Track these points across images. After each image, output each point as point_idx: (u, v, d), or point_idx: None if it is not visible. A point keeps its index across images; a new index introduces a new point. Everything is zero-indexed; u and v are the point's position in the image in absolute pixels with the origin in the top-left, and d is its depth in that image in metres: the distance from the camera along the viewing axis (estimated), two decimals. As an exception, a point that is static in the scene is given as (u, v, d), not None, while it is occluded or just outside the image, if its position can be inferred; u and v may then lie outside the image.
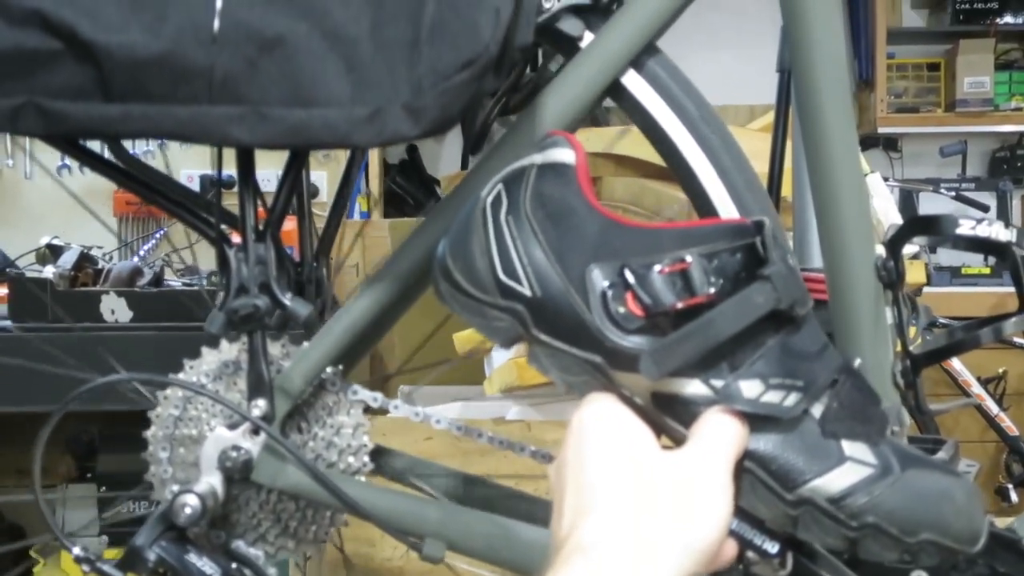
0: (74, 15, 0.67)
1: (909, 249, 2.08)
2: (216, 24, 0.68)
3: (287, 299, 0.81)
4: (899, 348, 0.87)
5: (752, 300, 0.61)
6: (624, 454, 0.59)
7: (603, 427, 0.61)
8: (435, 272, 0.69)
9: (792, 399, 0.61)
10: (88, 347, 1.85)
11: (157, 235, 2.93)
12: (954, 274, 3.62)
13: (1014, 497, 3.06)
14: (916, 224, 0.87)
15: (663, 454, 0.59)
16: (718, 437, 0.60)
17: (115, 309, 1.99)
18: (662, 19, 0.85)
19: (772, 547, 0.63)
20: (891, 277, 0.87)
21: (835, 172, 0.84)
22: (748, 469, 0.61)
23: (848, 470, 0.61)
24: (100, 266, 2.30)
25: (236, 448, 0.81)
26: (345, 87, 0.70)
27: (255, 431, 0.81)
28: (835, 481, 0.61)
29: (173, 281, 2.26)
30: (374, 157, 3.52)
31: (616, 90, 0.86)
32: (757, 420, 0.61)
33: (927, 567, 0.77)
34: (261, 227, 0.82)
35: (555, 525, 0.59)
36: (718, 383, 0.61)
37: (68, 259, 2.26)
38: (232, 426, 0.82)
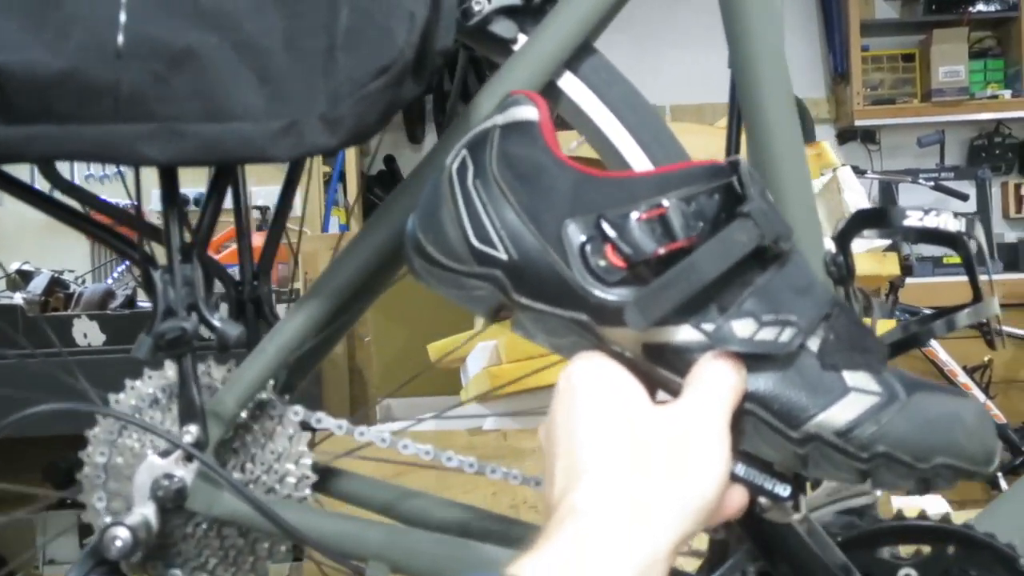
0: (-30, 38, 0.65)
1: (882, 242, 2.07)
2: (120, 39, 0.65)
3: (216, 320, 0.78)
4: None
5: (734, 238, 0.59)
6: (615, 412, 0.57)
7: (593, 385, 0.59)
8: (407, 249, 0.67)
9: (787, 334, 0.59)
10: (61, 372, 1.83)
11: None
12: (936, 263, 3.61)
13: (1004, 484, 3.04)
14: (863, 217, 0.84)
15: (655, 409, 0.57)
16: (713, 385, 0.57)
17: (87, 333, 1.97)
18: (596, 18, 0.83)
19: (784, 490, 0.61)
20: (841, 272, 0.85)
21: (779, 168, 0.82)
22: (750, 411, 0.59)
23: (853, 401, 0.59)
24: (72, 290, 2.28)
25: (168, 476, 0.78)
26: (260, 100, 0.68)
27: (188, 458, 0.79)
28: (840, 413, 0.59)
29: (146, 303, 2.23)
30: (351, 169, 3.50)
31: (552, 92, 0.84)
32: (754, 360, 0.59)
33: (919, 568, 0.75)
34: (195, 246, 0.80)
35: (547, 489, 0.57)
36: (709, 327, 0.59)
37: (38, 284, 2.25)
38: (164, 453, 0.79)
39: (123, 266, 2.86)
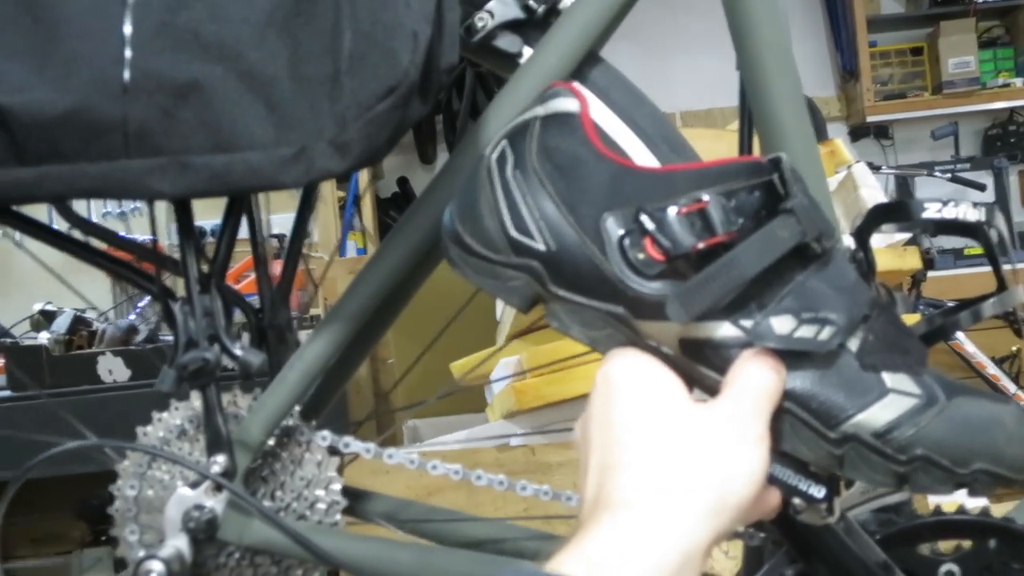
0: (-25, 82, 0.65)
1: (902, 236, 2.06)
2: (126, 75, 0.66)
3: (238, 350, 0.78)
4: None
5: (776, 234, 0.58)
6: (653, 407, 0.56)
7: (631, 380, 0.58)
8: (444, 239, 0.67)
9: (827, 332, 0.59)
10: (88, 410, 1.84)
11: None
12: (957, 256, 3.59)
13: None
14: (881, 212, 0.84)
15: (693, 406, 0.57)
16: (752, 383, 0.57)
17: (112, 369, 1.98)
18: (600, 28, 0.83)
19: (818, 492, 0.60)
20: (862, 268, 0.84)
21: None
22: (787, 410, 0.59)
23: (891, 402, 0.59)
24: (95, 327, 2.29)
25: (199, 507, 0.78)
26: (267, 128, 0.68)
27: (218, 488, 0.79)
28: (879, 414, 0.58)
29: (169, 337, 2.24)
30: (366, 193, 3.51)
31: (560, 103, 0.83)
32: (792, 358, 0.58)
33: (961, 563, 0.74)
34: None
35: (581, 485, 0.56)
36: (748, 323, 0.59)
37: (62, 323, 2.26)
38: (194, 484, 0.79)
39: (145, 301, 2.87)
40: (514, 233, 0.63)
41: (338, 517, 0.84)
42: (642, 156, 0.85)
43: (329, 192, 3.12)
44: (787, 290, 0.59)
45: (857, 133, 4.13)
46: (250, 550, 0.81)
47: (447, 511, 0.91)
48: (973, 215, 0.81)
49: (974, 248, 3.54)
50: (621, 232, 0.60)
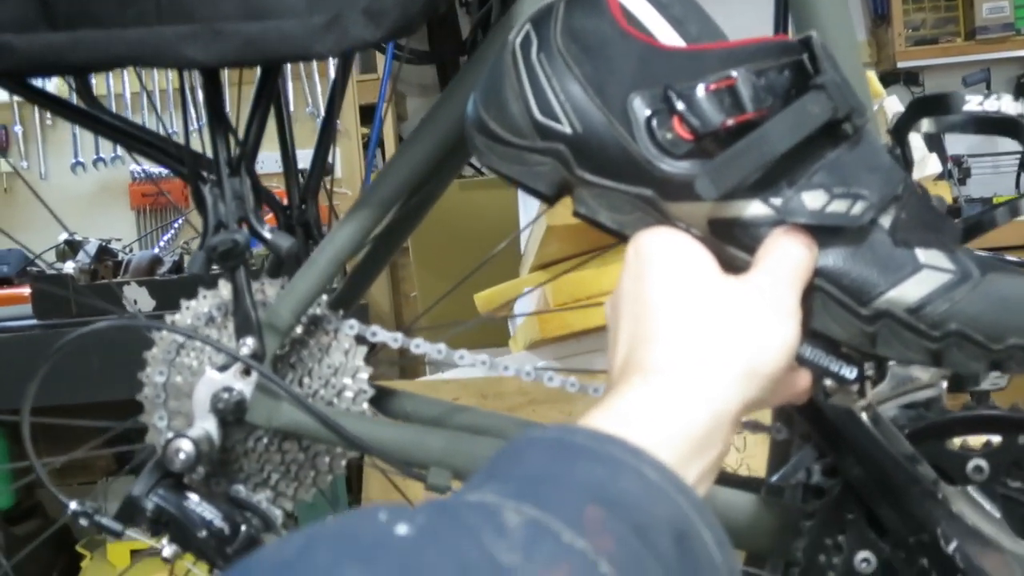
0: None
1: (932, 170, 2.03)
2: (160, -62, 0.65)
3: (267, 232, 0.78)
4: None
5: (807, 110, 0.57)
6: (684, 280, 0.56)
7: (662, 254, 0.57)
8: (468, 129, 0.66)
9: (859, 207, 0.58)
10: (114, 338, 1.85)
11: (176, 224, 2.93)
12: (985, 204, 3.54)
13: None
14: (921, 105, 0.82)
15: (726, 278, 0.56)
16: (784, 258, 0.56)
17: (137, 299, 1.99)
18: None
19: (850, 372, 0.60)
20: (899, 163, 0.83)
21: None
22: (819, 287, 0.58)
23: (925, 277, 0.58)
24: (120, 258, 2.30)
25: (228, 389, 0.78)
26: (301, -5, 0.67)
27: (246, 371, 0.79)
28: (912, 290, 0.58)
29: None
30: (390, 133, 3.49)
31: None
32: (824, 234, 0.58)
33: (990, 459, 0.73)
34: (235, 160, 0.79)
35: (611, 359, 0.56)
36: (778, 200, 0.58)
37: (87, 254, 2.26)
38: (222, 367, 0.79)
39: (169, 234, 2.89)
40: (540, 116, 0.62)
41: (365, 407, 0.84)
42: (669, 38, 0.84)
43: (353, 129, 3.11)
44: (818, 166, 0.58)
45: (887, 79, 4.06)
46: (279, 433, 0.81)
47: (473, 408, 0.91)
48: (1014, 109, 0.80)
49: (1003, 196, 3.51)
50: (649, 112, 0.59)
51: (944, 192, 1.97)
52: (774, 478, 0.83)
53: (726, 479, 0.89)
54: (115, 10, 0.65)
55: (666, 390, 0.51)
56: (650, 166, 0.59)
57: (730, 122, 0.57)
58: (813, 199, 0.58)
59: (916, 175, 1.92)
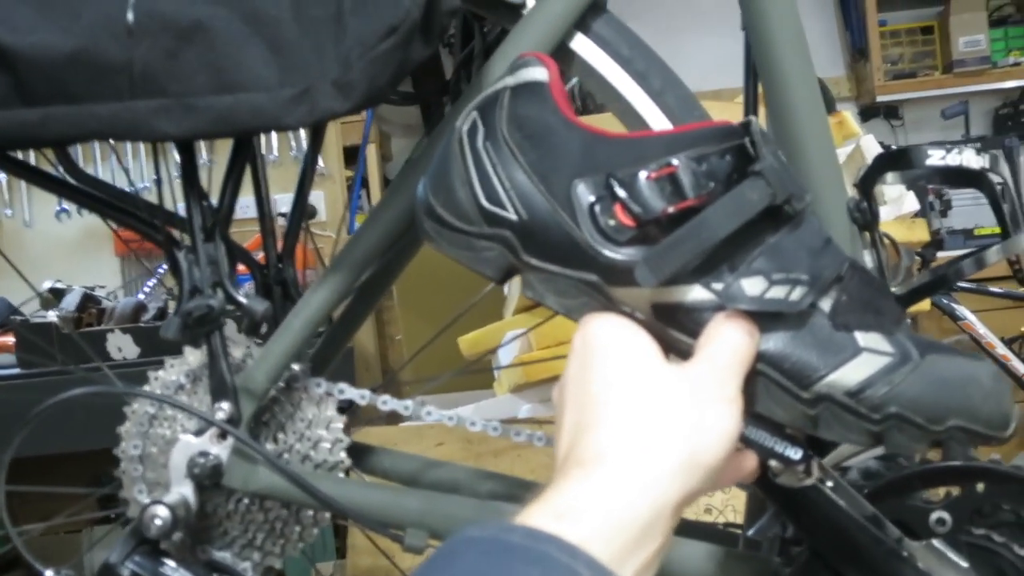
0: (-18, 23, 0.66)
1: (910, 208, 2.04)
2: (130, 16, 0.66)
3: (242, 296, 0.79)
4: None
5: (746, 196, 0.58)
6: (627, 368, 0.56)
7: (607, 342, 0.58)
8: (418, 213, 0.66)
9: (798, 293, 0.58)
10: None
11: (160, 270, 2.93)
12: (967, 236, 3.57)
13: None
14: (886, 160, 0.84)
15: (667, 366, 0.57)
16: (724, 345, 0.57)
17: (121, 346, 1.99)
18: (605, -23, 0.83)
19: (795, 453, 0.60)
20: (865, 218, 0.84)
21: (797, 117, 0.81)
22: (761, 371, 0.58)
23: (865, 361, 0.58)
24: (103, 305, 2.30)
25: (204, 454, 0.79)
26: (272, 70, 0.68)
27: (222, 435, 0.79)
28: (852, 373, 0.58)
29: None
30: (374, 173, 3.51)
31: (564, 54, 0.83)
32: (764, 319, 0.58)
33: (951, 509, 0.74)
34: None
35: (556, 445, 0.56)
36: (719, 285, 0.58)
37: (71, 301, 2.26)
38: (198, 432, 0.80)
39: (153, 280, 2.89)
40: (486, 203, 0.63)
41: (343, 456, 0.84)
42: (645, 107, 0.85)
43: (337, 171, 3.13)
44: (758, 252, 0.59)
45: (867, 113, 4.11)
46: (257, 496, 0.82)
47: (449, 463, 0.91)
48: (976, 162, 0.81)
49: (985, 228, 3.53)
50: (592, 199, 0.60)
51: (921, 229, 1.98)
52: (751, 531, 0.83)
53: (705, 532, 0.90)
54: (88, 86, 0.66)
55: (605, 482, 0.51)
56: (594, 252, 0.59)
57: (671, 209, 0.58)
58: (752, 285, 0.58)
59: (893, 213, 1.94)
